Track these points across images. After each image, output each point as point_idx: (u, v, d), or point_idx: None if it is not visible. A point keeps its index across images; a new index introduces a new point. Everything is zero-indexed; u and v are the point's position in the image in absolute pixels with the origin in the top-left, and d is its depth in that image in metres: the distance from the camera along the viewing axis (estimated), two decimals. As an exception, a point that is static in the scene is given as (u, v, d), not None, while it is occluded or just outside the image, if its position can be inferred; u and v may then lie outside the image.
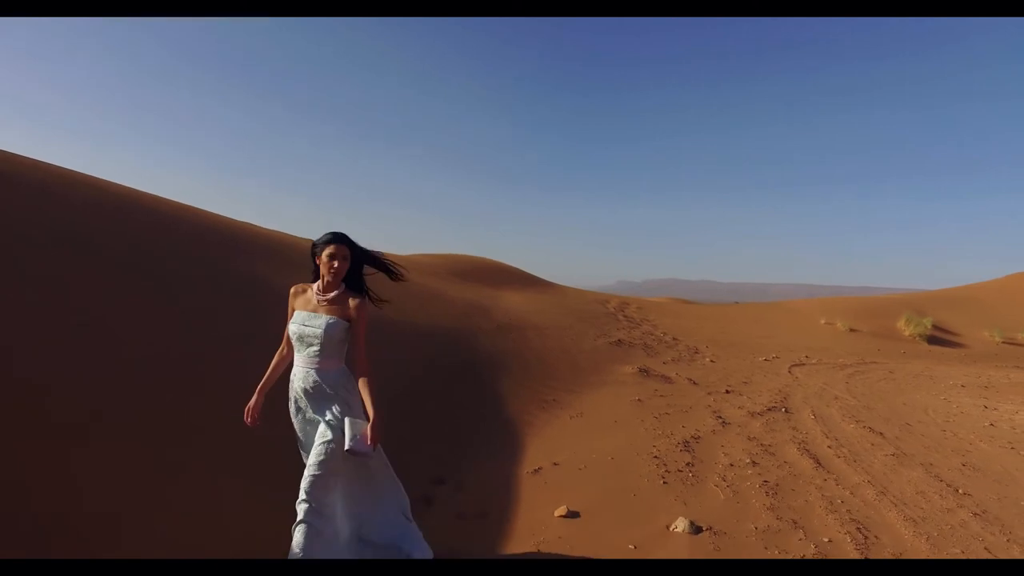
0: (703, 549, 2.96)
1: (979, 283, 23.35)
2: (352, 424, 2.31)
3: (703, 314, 16.46)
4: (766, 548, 2.97)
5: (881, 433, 5.37)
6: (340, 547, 2.32)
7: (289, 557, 2.10)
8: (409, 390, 5.28)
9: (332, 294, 2.43)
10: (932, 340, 14.87)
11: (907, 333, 15.17)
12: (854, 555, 2.90)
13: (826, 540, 3.07)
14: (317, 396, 2.40)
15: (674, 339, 11.51)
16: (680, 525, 3.17)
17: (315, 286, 2.48)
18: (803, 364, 9.96)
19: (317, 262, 2.45)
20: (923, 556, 2.93)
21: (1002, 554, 3.00)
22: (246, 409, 2.53)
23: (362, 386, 2.36)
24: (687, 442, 4.79)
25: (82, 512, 2.31)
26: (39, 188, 4.76)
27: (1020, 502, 3.76)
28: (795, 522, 3.29)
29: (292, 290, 2.54)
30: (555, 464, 4.33)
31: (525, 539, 3.11)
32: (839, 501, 3.62)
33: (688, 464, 4.26)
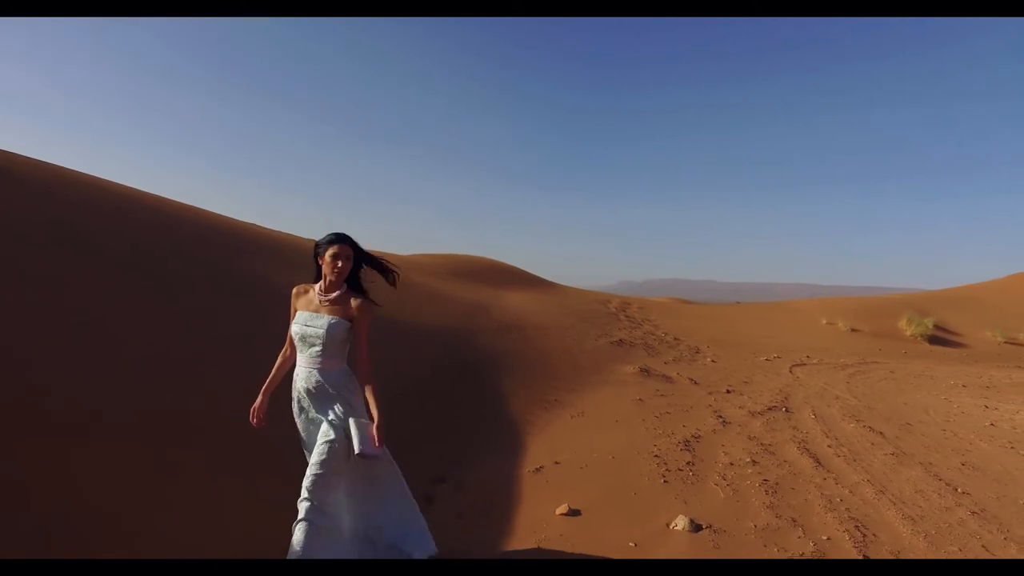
0: (703, 547, 2.96)
1: (981, 283, 23.27)
2: (358, 427, 2.31)
3: (704, 314, 16.45)
4: (765, 546, 2.98)
5: (881, 433, 5.36)
6: (341, 546, 2.32)
7: (289, 555, 2.10)
8: (410, 390, 5.29)
9: (334, 294, 2.44)
10: (933, 340, 14.84)
11: (908, 333, 15.14)
12: (852, 553, 2.91)
13: (825, 538, 3.07)
14: (320, 396, 2.41)
15: (675, 339, 11.51)
16: (680, 523, 3.18)
17: (317, 286, 2.48)
18: (804, 364, 9.95)
19: (320, 262, 2.46)
20: (921, 554, 2.94)
21: (999, 552, 3.00)
22: (251, 410, 2.54)
23: (365, 386, 2.37)
24: (688, 441, 4.79)
25: (82, 512, 2.32)
26: (39, 188, 4.77)
27: (1019, 501, 3.76)
28: (794, 520, 3.30)
29: (294, 291, 2.55)
30: (556, 463, 4.34)
31: (526, 536, 3.12)
32: (838, 500, 3.62)
33: (688, 463, 4.26)
